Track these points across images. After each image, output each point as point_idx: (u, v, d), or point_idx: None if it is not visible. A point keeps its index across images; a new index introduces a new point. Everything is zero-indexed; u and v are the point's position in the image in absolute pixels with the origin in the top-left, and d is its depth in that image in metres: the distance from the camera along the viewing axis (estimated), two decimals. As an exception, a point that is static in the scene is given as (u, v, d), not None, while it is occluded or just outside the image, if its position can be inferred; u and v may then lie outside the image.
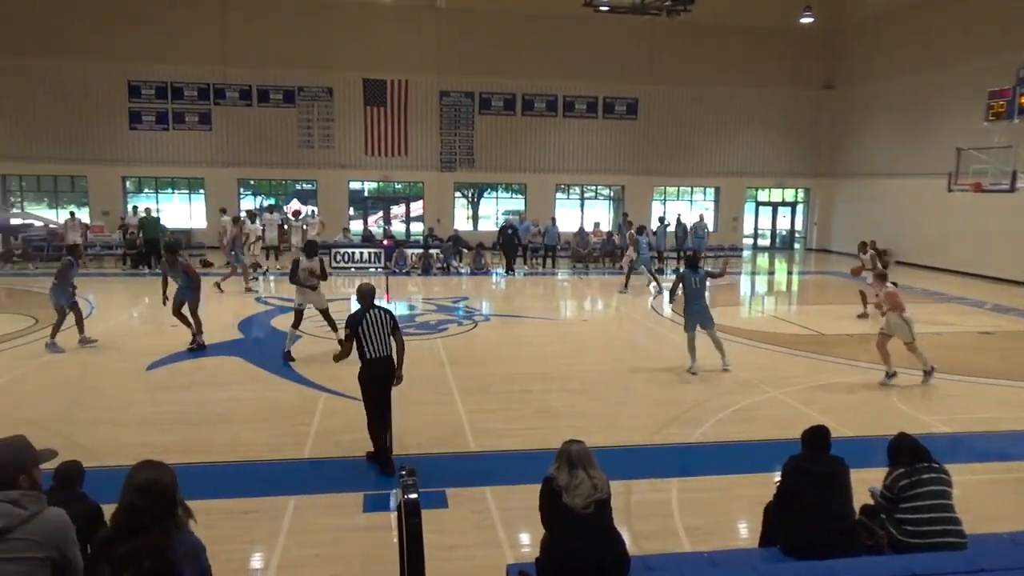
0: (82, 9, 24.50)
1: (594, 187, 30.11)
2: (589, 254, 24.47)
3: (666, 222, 24.78)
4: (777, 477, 4.78)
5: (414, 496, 3.88)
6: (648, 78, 28.26)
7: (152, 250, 21.50)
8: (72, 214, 22.67)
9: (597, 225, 26.37)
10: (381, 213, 29.19)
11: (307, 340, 12.31)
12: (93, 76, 25.25)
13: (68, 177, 26.68)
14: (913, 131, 24.89)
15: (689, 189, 30.64)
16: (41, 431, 7.31)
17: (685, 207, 29.74)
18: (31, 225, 23.78)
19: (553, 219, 24.72)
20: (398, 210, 29.54)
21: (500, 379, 10.08)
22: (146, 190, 27.36)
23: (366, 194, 29.08)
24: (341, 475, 6.81)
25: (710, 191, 30.69)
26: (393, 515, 5.71)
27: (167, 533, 2.78)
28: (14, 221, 23.95)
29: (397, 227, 28.44)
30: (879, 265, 15.63)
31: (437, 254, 22.63)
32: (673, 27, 25.77)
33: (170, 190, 27.63)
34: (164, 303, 11.83)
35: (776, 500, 4.72)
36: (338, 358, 7.14)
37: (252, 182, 28.12)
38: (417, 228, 28.29)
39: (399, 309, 16.13)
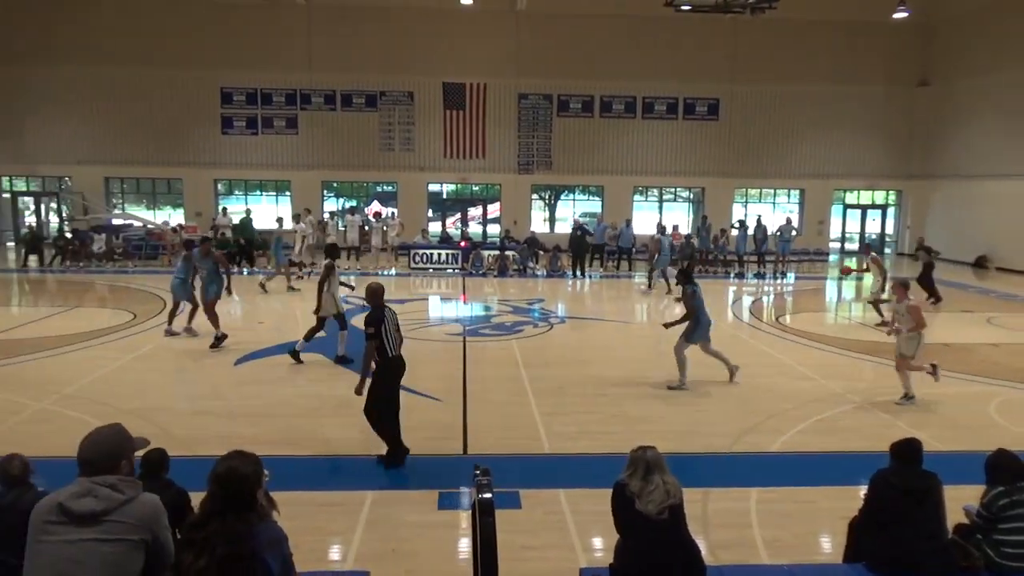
0: (181, 21, 25.76)
1: (673, 189, 29.64)
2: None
3: (745, 225, 24.15)
4: (863, 491, 4.59)
5: (488, 496, 3.89)
6: (730, 77, 27.63)
7: (244, 251, 22.40)
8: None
9: (676, 228, 25.91)
10: (459, 215, 29.54)
11: (386, 339, 12.55)
12: (189, 84, 26.51)
13: (165, 180, 28.08)
14: (1020, 129, 23.48)
15: (772, 191, 29.80)
16: (138, 420, 7.71)
17: (767, 209, 28.91)
18: (131, 225, 25.12)
19: (627, 221, 24.42)
20: (475, 212, 29.83)
21: (575, 382, 10.03)
22: (236, 192, 28.53)
23: (444, 196, 29.48)
24: (416, 472, 6.91)
25: (795, 193, 29.76)
26: (467, 513, 5.75)
27: (247, 521, 2.87)
28: (115, 221, 25.35)
29: (474, 229, 28.73)
30: (883, 270, 14.88)
31: (513, 256, 22.74)
32: (757, 25, 25.14)
33: (258, 192, 28.71)
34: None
35: (863, 515, 4.53)
36: (368, 358, 6.90)
37: (335, 184, 28.92)
38: (494, 230, 28.50)
39: (475, 310, 16.28)
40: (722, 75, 27.61)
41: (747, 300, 18.55)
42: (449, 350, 12.02)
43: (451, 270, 22.47)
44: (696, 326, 9.70)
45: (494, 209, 29.22)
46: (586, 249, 22.27)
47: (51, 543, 2.82)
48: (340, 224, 23.72)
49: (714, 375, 10.47)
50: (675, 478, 4.06)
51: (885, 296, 14.68)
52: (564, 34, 26.96)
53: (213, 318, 11.70)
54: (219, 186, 28.23)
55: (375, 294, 7.08)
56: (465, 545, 5.48)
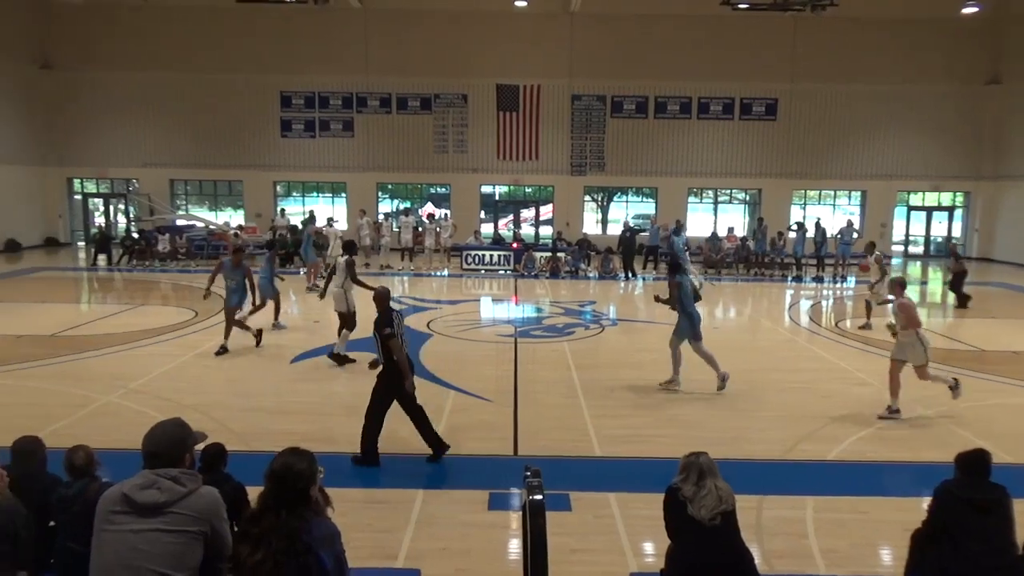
0: (244, 28, 26.44)
1: (728, 191, 29.16)
2: (721, 260, 23.72)
3: (803, 227, 23.58)
4: (926, 503, 4.43)
5: (539, 497, 3.89)
6: (789, 77, 27.05)
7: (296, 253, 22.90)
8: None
9: (731, 230, 25.50)
10: (511, 216, 29.62)
11: (438, 339, 12.69)
12: (251, 89, 27.23)
13: (226, 182, 28.89)
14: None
15: (832, 193, 29.03)
16: (197, 415, 7.95)
17: (827, 212, 28.18)
18: (193, 226, 25.90)
19: (678, 222, 23.95)
20: (528, 213, 29.87)
21: (626, 385, 9.95)
22: (294, 194, 29.18)
23: (497, 198, 29.60)
24: (467, 472, 6.95)
25: (856, 195, 28.95)
26: (517, 515, 5.76)
27: (301, 516, 2.93)
28: (179, 222, 26.17)
29: (526, 230, 28.77)
30: (885, 271, 14.32)
31: (565, 257, 22.68)
32: (817, 22, 24.57)
33: (315, 194, 29.29)
34: (205, 296, 12.14)
35: (926, 528, 4.37)
36: (401, 355, 6.93)
37: (390, 186, 29.31)
38: (546, 231, 28.49)
39: (527, 312, 16.29)
40: (781, 74, 27.05)
41: (805, 304, 18.13)
42: (500, 351, 12.06)
43: (503, 271, 22.54)
44: (688, 321, 9.53)
45: (546, 211, 29.21)
46: (636, 251, 22.06)
47: (116, 532, 2.92)
48: (394, 225, 24.03)
49: (766, 381, 10.26)
50: (728, 484, 4.00)
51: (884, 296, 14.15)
52: (618, 35, 26.81)
53: (228, 326, 11.44)
54: (278, 188, 28.90)
55: (383, 298, 7.24)
56: (515, 546, 5.49)
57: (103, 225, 27.55)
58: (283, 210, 26.39)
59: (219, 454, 4.78)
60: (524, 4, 25.33)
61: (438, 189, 29.33)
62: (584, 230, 26.64)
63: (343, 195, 28.76)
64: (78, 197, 29.27)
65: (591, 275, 22.14)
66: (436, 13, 26.60)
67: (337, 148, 27.89)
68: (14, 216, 26.15)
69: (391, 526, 5.82)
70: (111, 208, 29.43)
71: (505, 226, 29.06)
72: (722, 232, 25.09)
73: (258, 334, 11.83)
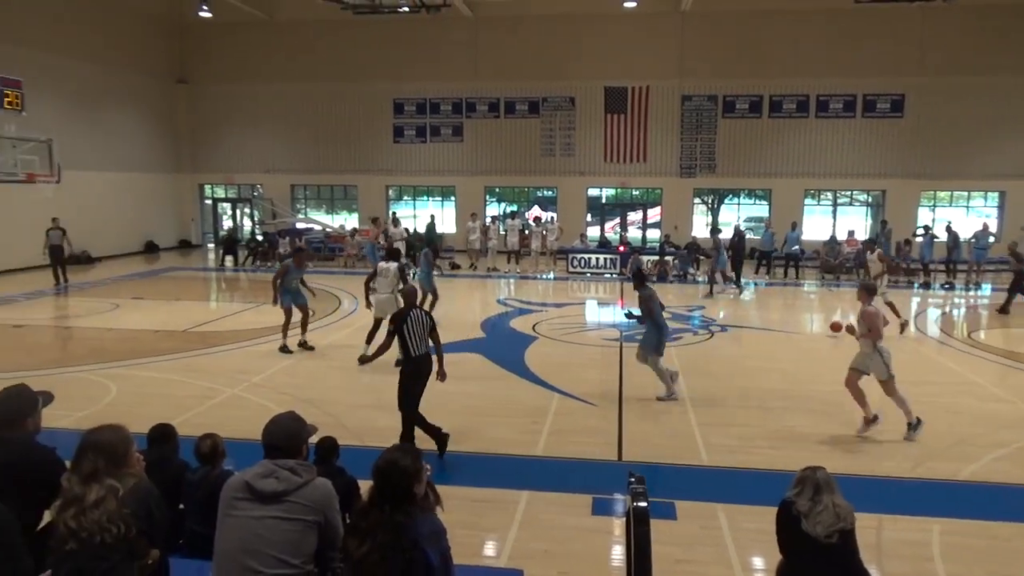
0: (360, 39, 27.48)
1: (849, 192, 27.74)
2: (840, 265, 22.57)
3: (931, 231, 22.11)
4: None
5: (644, 504, 3.83)
6: (917, 70, 25.43)
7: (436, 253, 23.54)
8: (375, 219, 25.18)
9: (851, 233, 24.22)
10: (618, 219, 29.34)
11: (543, 342, 12.73)
12: (366, 97, 28.30)
13: (342, 186, 30.13)
14: None
15: (965, 194, 27.08)
16: (313, 410, 8.31)
17: (959, 214, 26.31)
18: (311, 229, 27.14)
19: (793, 224, 22.99)
20: (635, 216, 29.50)
21: (736, 393, 9.65)
22: (405, 197, 30.06)
23: (604, 200, 29.39)
24: (571, 475, 6.93)
25: (992, 196, 26.88)
26: (620, 521, 5.69)
27: (407, 512, 2.99)
28: (299, 225, 27.49)
29: (633, 233, 28.42)
30: (888, 268, 13.23)
31: (673, 261, 22.25)
32: (949, 12, 23.01)
33: (425, 197, 30.05)
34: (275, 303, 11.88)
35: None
36: (376, 354, 7.57)
37: (497, 189, 29.69)
38: (654, 234, 28.04)
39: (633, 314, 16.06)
40: (908, 68, 25.48)
41: (933, 313, 17.01)
42: (606, 355, 11.96)
43: (609, 275, 22.35)
44: (657, 334, 9.22)
45: (654, 213, 28.75)
46: (743, 255, 21.28)
47: (238, 517, 3.10)
48: (501, 228, 24.31)
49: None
50: (849, 502, 3.80)
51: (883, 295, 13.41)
52: (731, 32, 26.06)
53: (286, 325, 11.75)
54: (390, 192, 29.85)
55: (408, 295, 7.86)
56: (618, 552, 5.42)
57: (230, 228, 29.34)
58: (395, 213, 27.23)
59: (332, 448, 4.98)
60: (633, 5, 25.03)
61: (545, 192, 29.44)
62: (693, 233, 26.03)
63: (452, 198, 29.37)
64: (208, 202, 31.31)
65: (700, 280, 21.59)
66: (544, 17, 26.72)
67: (446, 152, 28.52)
68: (152, 220, 28.28)
69: (495, 525, 5.88)
70: (237, 212, 31.28)
71: (612, 229, 28.81)
72: (841, 235, 23.88)
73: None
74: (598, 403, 9.11)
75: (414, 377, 7.24)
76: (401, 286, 10.79)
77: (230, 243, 25.05)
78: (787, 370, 11.08)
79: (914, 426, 7.88)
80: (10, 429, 3.44)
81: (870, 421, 7.98)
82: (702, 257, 22.83)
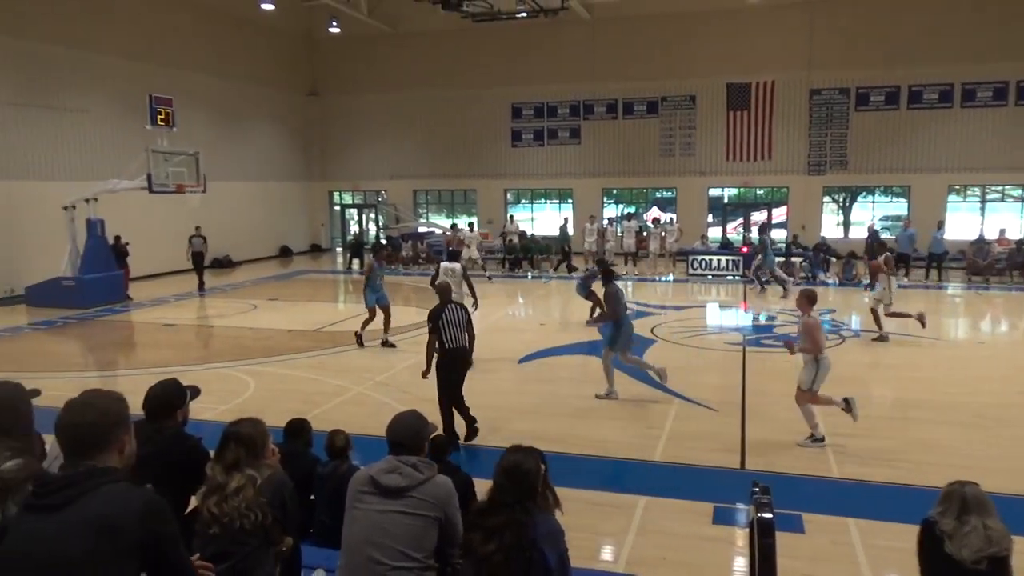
0: (479, 46, 28.03)
1: (1000, 187, 25.54)
2: (990, 266, 20.82)
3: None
4: None
5: (769, 515, 3.68)
6: (1082, 52, 23.08)
7: (567, 256, 23.75)
8: (453, 225, 25.96)
9: (1003, 232, 22.31)
10: (741, 220, 28.37)
11: (662, 346, 12.50)
12: (485, 103, 28.80)
13: (462, 191, 30.81)
14: None
15: None
16: (433, 407, 8.49)
17: None
18: (432, 233, 27.90)
19: (939, 223, 21.41)
20: (759, 216, 28.41)
21: (871, 403, 9.08)
22: (523, 200, 30.35)
23: (726, 200, 28.50)
24: (691, 482, 6.77)
25: None
26: (743, 531, 5.50)
27: (528, 512, 3.02)
28: (420, 229, 28.33)
29: (757, 234, 27.39)
30: (890, 274, 12.43)
31: (800, 263, 21.26)
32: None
33: (543, 200, 30.22)
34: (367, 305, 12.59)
35: None
36: (429, 348, 7.78)
37: (615, 191, 29.43)
38: (779, 235, 26.91)
39: (757, 319, 15.50)
40: (1071, 49, 23.18)
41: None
42: (727, 359, 11.59)
43: (731, 277, 21.65)
44: (618, 332, 9.11)
45: (780, 213, 27.58)
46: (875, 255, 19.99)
47: (363, 511, 3.23)
48: (618, 230, 24.08)
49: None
50: (1003, 524, 3.43)
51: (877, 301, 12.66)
52: (864, 21, 24.59)
53: (367, 322, 12.54)
54: (508, 195, 30.23)
55: (442, 292, 8.21)
56: (741, 564, 5.23)
57: (357, 233, 30.62)
58: (512, 216, 27.55)
59: (445, 445, 5.11)
60: (757, -2, 24.18)
61: (663, 193, 28.90)
62: (823, 233, 24.78)
63: (569, 201, 29.37)
64: (336, 208, 32.86)
65: (830, 282, 20.51)
66: (662, 16, 26.23)
67: (564, 155, 28.57)
68: (286, 226, 30.00)
69: (613, 529, 5.82)
70: (363, 217, 32.61)
71: (734, 230, 27.91)
72: (991, 234, 22.00)
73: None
74: (719, 409, 8.84)
75: (450, 368, 7.62)
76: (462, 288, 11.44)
77: (357, 247, 26.13)
78: (930, 378, 10.35)
79: (816, 439, 7.55)
80: (162, 420, 3.73)
81: (816, 439, 7.57)
82: (832, 259, 21.70)
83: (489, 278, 15.79)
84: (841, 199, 27.33)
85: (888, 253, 13.51)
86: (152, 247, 21.25)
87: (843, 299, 18.04)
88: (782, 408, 8.79)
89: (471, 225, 25.47)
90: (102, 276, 17.80)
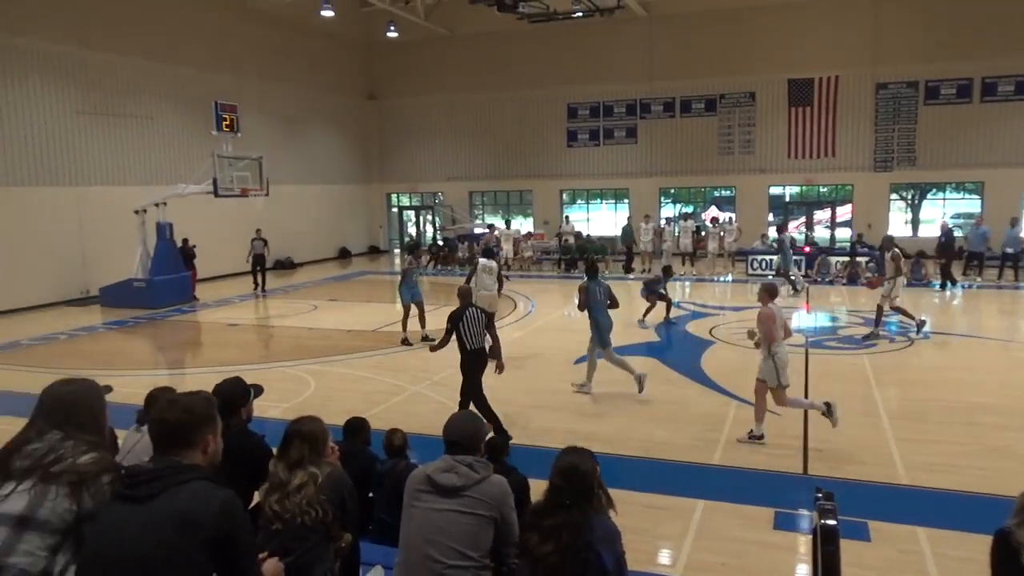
0: (535, 45, 28.01)
1: (1081, 182, 24.29)
2: (1071, 265, 19.80)
3: None
4: None
5: (833, 523, 3.58)
6: None
7: (628, 259, 23.65)
8: (491, 225, 26.07)
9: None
10: (803, 219, 27.68)
11: (721, 347, 12.29)
12: (540, 104, 28.83)
13: (517, 192, 30.88)
14: None
15: None
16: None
17: None
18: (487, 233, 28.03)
19: (1013, 220, 20.44)
20: (822, 215, 27.68)
21: (940, 407, 8.77)
22: (578, 201, 30.23)
23: (787, 199, 27.85)
24: (751, 487, 6.64)
25: None
26: (806, 538, 5.36)
27: (585, 513, 3.01)
28: (476, 230, 28.51)
29: (820, 233, 26.70)
30: (901, 270, 12.28)
31: (866, 263, 20.63)
32: None
33: (598, 200, 30.06)
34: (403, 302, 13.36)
35: None
36: (435, 348, 8.16)
37: (672, 190, 29.07)
38: (843, 234, 26.16)
39: (819, 321, 15.10)
40: None
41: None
42: (789, 362, 11.29)
43: (793, 276, 21.10)
44: (594, 328, 9.36)
45: (844, 211, 26.81)
46: (954, 255, 19.24)
47: (421, 509, 3.27)
48: (675, 230, 23.77)
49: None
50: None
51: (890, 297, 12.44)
52: (933, 12, 23.71)
53: (405, 319, 13.18)
54: (564, 196, 30.17)
55: (463, 295, 8.32)
56: (803, 571, 5.12)
57: (414, 234, 30.98)
58: (567, 217, 27.47)
59: (501, 446, 5.11)
60: (820, -10, 23.55)
61: (722, 192, 28.41)
62: (890, 232, 23.96)
63: (625, 201, 29.13)
64: (394, 210, 33.30)
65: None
66: (721, 12, 25.79)
67: (620, 155, 28.36)
68: (345, 227, 30.56)
69: (670, 533, 5.76)
70: (420, 219, 33.00)
71: (796, 229, 27.23)
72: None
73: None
74: (781, 412, 8.64)
75: (470, 369, 7.82)
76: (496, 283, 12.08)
77: (414, 248, 26.43)
78: (1002, 382, 9.90)
79: (827, 413, 7.54)
80: (227, 417, 3.85)
81: (755, 437, 7.64)
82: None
83: (507, 277, 16.06)
84: (909, 196, 26.42)
85: (896, 249, 12.99)
86: (217, 249, 21.91)
87: (912, 301, 17.36)
88: (847, 412, 8.55)
89: (508, 223, 25.97)
90: (171, 278, 18.48)
